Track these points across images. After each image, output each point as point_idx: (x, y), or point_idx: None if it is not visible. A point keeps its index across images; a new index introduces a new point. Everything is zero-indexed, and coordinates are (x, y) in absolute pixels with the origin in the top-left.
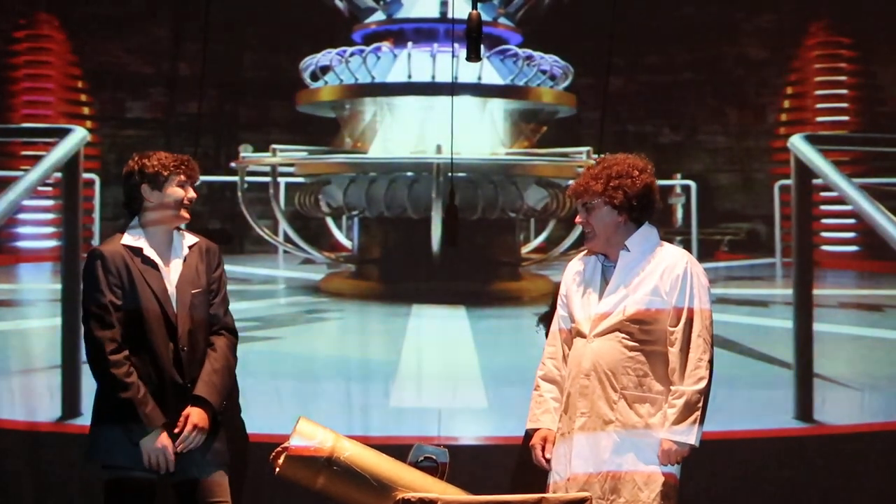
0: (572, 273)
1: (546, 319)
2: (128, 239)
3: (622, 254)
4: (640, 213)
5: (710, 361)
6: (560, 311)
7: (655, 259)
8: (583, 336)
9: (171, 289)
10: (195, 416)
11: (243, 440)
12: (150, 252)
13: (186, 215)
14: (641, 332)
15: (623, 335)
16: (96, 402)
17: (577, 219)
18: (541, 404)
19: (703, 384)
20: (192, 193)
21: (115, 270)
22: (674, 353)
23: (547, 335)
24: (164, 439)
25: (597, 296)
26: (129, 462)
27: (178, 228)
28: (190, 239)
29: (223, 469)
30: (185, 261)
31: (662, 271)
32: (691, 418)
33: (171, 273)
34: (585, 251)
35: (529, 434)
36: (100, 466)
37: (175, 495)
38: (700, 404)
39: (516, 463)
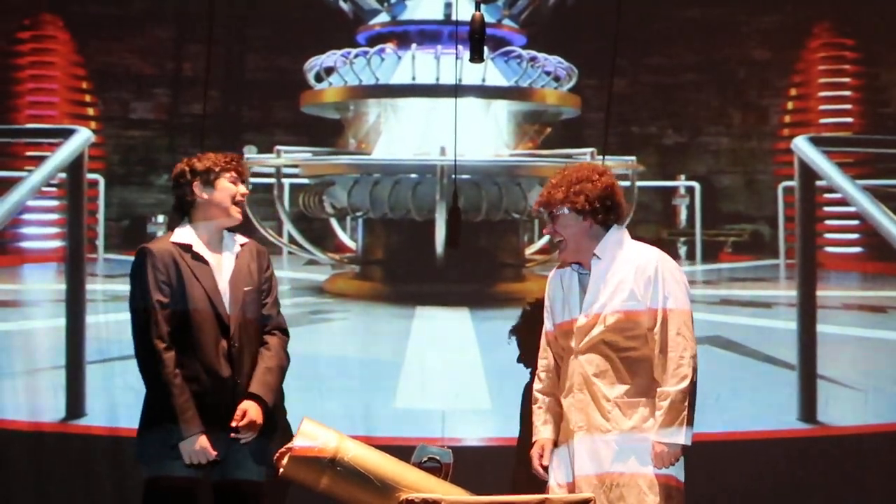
0: (553, 285)
1: (517, 331)
2: (178, 236)
3: (593, 262)
4: (605, 216)
5: (693, 357)
6: (546, 323)
7: (627, 262)
8: (569, 349)
9: (224, 285)
10: (252, 410)
11: (289, 440)
12: (200, 248)
13: (238, 211)
14: (624, 338)
15: (607, 345)
16: (144, 399)
17: (546, 230)
18: (539, 416)
19: (685, 383)
20: (243, 189)
21: (164, 268)
22: (656, 354)
23: (519, 346)
24: (202, 442)
25: (577, 307)
26: (169, 461)
27: (228, 228)
28: (240, 238)
29: (266, 470)
30: (236, 258)
31: (635, 274)
32: (679, 419)
33: (224, 270)
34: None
35: (523, 441)
36: (142, 464)
37: (215, 495)
38: (686, 403)
39: (514, 469)
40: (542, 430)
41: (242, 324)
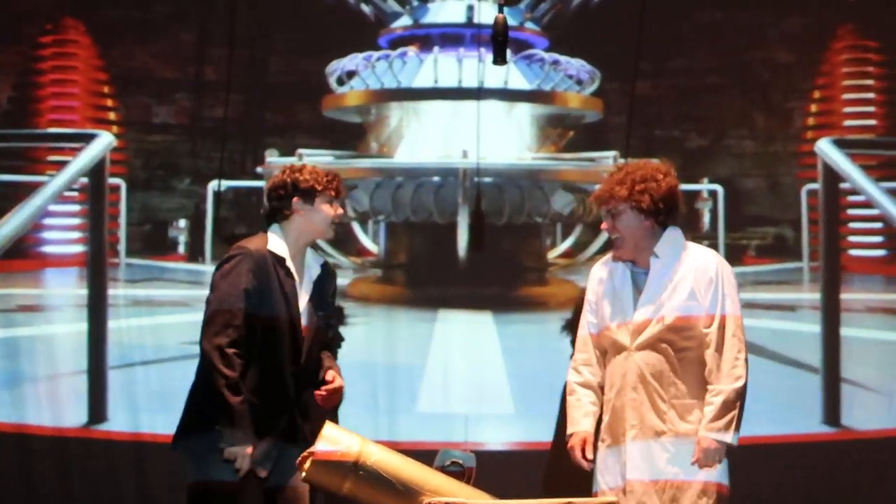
0: (598, 280)
1: (571, 326)
2: (274, 244)
3: (653, 261)
4: (665, 217)
5: (747, 361)
6: (589, 317)
7: (686, 263)
8: (622, 346)
9: (303, 305)
10: (339, 379)
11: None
12: (290, 264)
13: (332, 232)
14: (682, 338)
15: (665, 344)
16: (193, 399)
17: (603, 225)
18: (579, 408)
19: (740, 383)
20: (340, 210)
21: (259, 274)
22: (709, 354)
23: (573, 342)
24: (248, 450)
25: (630, 304)
26: (219, 464)
27: (314, 246)
28: (319, 258)
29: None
30: (317, 279)
31: (695, 275)
32: (729, 416)
33: (304, 289)
34: (610, 257)
35: (559, 440)
36: (191, 464)
37: (265, 500)
38: (737, 403)
39: (546, 471)
40: (583, 422)
41: (311, 344)
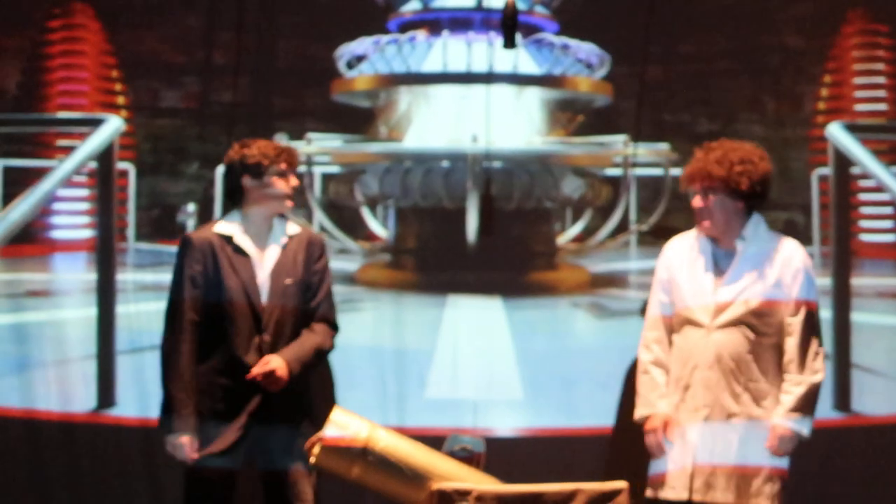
0: (675, 257)
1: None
2: (221, 226)
3: (740, 243)
4: (756, 201)
5: (824, 355)
6: (661, 296)
7: (773, 249)
8: (697, 324)
9: (263, 277)
10: (275, 361)
11: None
12: (241, 240)
13: (289, 204)
14: (762, 324)
15: (745, 327)
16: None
17: (695, 202)
18: (654, 388)
19: (819, 376)
20: (294, 181)
21: (200, 258)
22: (791, 343)
23: None
24: (184, 440)
25: (710, 283)
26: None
27: (283, 217)
28: (293, 228)
29: (306, 461)
30: (283, 249)
31: (782, 263)
32: (807, 408)
33: (266, 261)
34: (684, 235)
35: (625, 418)
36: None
37: (262, 486)
38: (815, 396)
39: (609, 451)
40: (660, 404)
41: (280, 316)
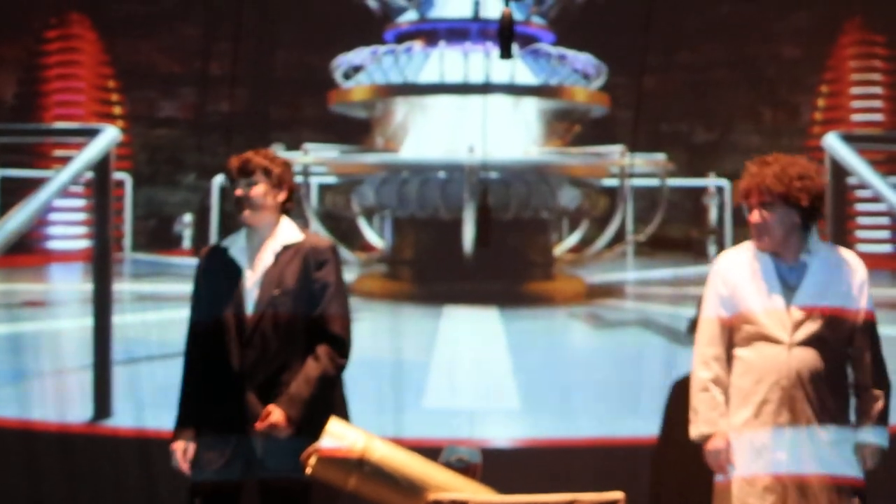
0: (735, 273)
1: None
2: (226, 239)
3: (806, 256)
4: (814, 216)
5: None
6: (720, 310)
7: (836, 261)
8: (773, 340)
9: (251, 289)
10: (275, 414)
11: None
12: (234, 252)
13: (245, 213)
14: (834, 336)
15: (820, 341)
16: None
17: (753, 218)
18: (715, 407)
19: (890, 387)
20: (248, 190)
21: (203, 272)
22: (863, 355)
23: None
24: (179, 446)
25: (780, 298)
26: (202, 464)
27: (295, 224)
28: (294, 236)
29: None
30: (276, 258)
31: (848, 274)
32: (885, 420)
33: (257, 272)
34: (737, 249)
35: (672, 432)
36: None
37: (260, 495)
38: (889, 408)
39: (655, 463)
40: (721, 422)
41: (267, 328)
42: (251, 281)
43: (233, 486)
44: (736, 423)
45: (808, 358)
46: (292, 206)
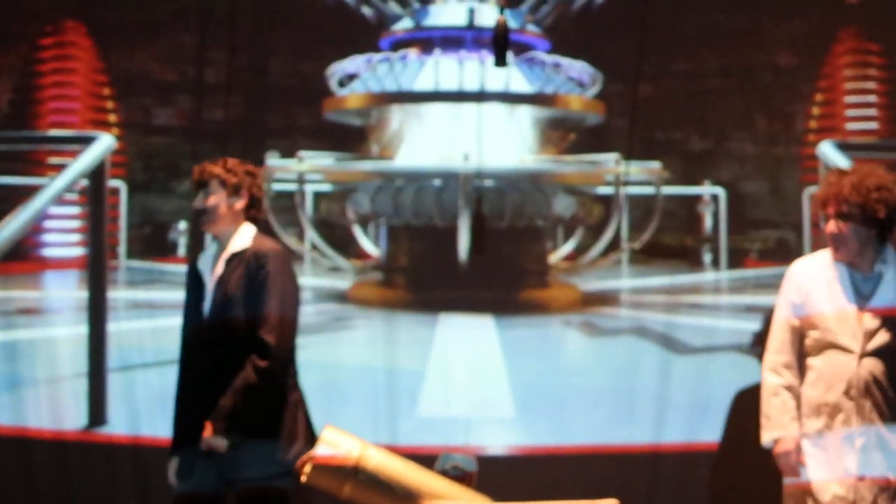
0: (809, 281)
1: (763, 340)
2: (205, 250)
3: (882, 268)
4: (892, 227)
5: None
6: (792, 321)
7: None
8: (844, 349)
9: (207, 297)
10: (206, 429)
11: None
12: (201, 263)
13: (204, 221)
14: None
15: (892, 352)
16: None
17: (829, 228)
18: (786, 412)
19: None
20: (196, 202)
21: (186, 283)
22: None
23: (762, 355)
24: (170, 463)
25: (853, 307)
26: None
27: (255, 230)
28: (240, 244)
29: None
30: (226, 265)
31: None
32: None
33: (212, 283)
34: (811, 257)
35: (736, 437)
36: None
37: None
38: None
39: (716, 471)
40: (791, 427)
41: (221, 335)
42: (208, 290)
43: (211, 498)
44: (807, 432)
45: (877, 366)
46: (259, 213)
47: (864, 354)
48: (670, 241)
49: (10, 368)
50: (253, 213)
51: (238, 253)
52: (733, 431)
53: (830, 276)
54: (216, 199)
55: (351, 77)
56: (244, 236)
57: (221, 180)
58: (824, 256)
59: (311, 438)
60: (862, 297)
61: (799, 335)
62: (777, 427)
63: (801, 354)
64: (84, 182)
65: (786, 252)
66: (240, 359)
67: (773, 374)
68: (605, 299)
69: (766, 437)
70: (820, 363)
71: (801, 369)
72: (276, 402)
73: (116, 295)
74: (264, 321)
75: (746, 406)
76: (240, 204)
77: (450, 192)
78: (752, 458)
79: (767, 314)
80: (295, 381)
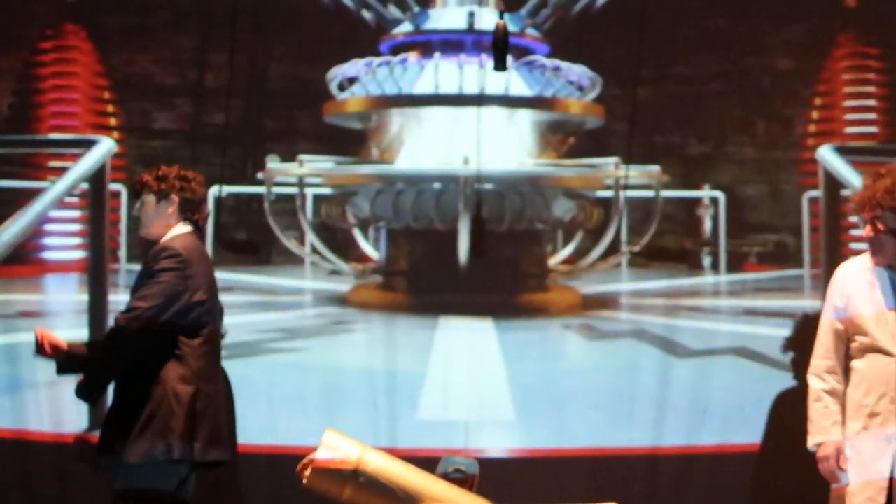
0: (850, 284)
1: (793, 345)
2: None
3: None
4: None
5: None
6: (835, 325)
7: None
8: (885, 353)
9: None
10: (61, 341)
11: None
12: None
13: (137, 228)
14: None
15: None
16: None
17: (866, 232)
18: (828, 416)
19: None
20: (133, 210)
21: None
22: None
23: (793, 361)
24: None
25: (893, 311)
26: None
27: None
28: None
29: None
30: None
31: None
32: None
33: None
34: (854, 261)
35: (776, 440)
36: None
37: None
38: None
39: (756, 472)
40: (833, 431)
41: (126, 345)
42: None
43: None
44: (849, 434)
45: None
46: (196, 216)
47: None
48: (670, 244)
49: (10, 371)
50: (188, 215)
51: (149, 252)
52: (773, 433)
53: (871, 279)
54: (146, 205)
55: (351, 80)
56: (168, 237)
57: (150, 187)
58: (867, 259)
59: (194, 437)
60: None
61: (844, 339)
62: (819, 432)
63: (848, 357)
64: (85, 185)
65: (785, 256)
66: (143, 357)
67: (816, 378)
68: (604, 302)
69: (809, 442)
70: (862, 366)
71: (848, 372)
72: (104, 372)
73: (117, 298)
74: (130, 308)
75: (785, 408)
76: (170, 209)
77: (450, 196)
78: (791, 460)
79: (798, 320)
80: (193, 379)
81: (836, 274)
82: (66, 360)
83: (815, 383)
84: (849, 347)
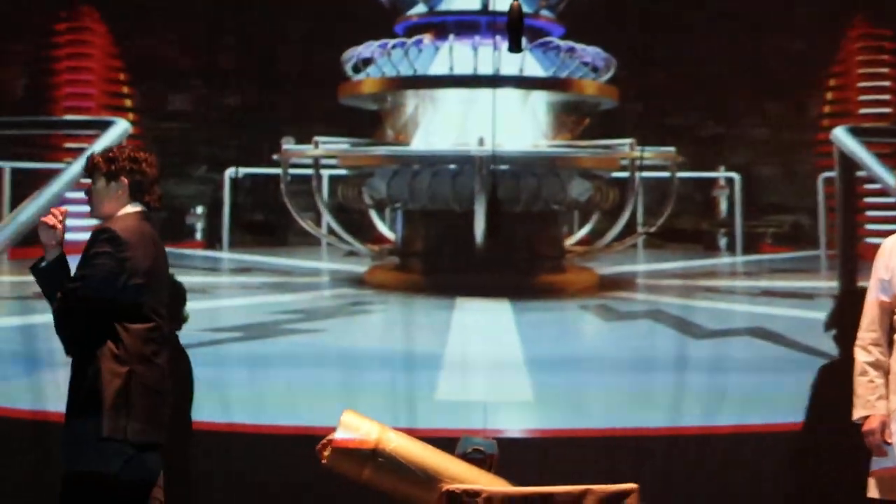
0: (890, 257)
1: (835, 322)
2: None
3: None
4: None
5: None
6: (880, 296)
7: None
8: None
9: None
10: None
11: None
12: None
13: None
14: None
15: None
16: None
17: None
18: (874, 390)
19: None
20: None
21: None
22: None
23: (835, 337)
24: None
25: None
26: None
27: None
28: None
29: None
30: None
31: None
32: None
33: None
34: None
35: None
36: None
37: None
38: None
39: (796, 451)
40: (878, 405)
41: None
42: None
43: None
44: (894, 408)
45: None
46: (147, 197)
47: None
48: (686, 225)
49: (28, 352)
50: (138, 196)
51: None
52: (815, 407)
53: None
54: (95, 186)
55: (366, 62)
56: (115, 218)
57: (100, 169)
58: None
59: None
60: None
61: (889, 312)
62: (863, 406)
63: (893, 330)
64: None
65: (801, 237)
66: (87, 339)
67: (862, 351)
68: (621, 283)
69: (855, 415)
70: None
71: (893, 345)
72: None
73: None
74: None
75: (826, 382)
76: (120, 191)
77: (465, 177)
78: (832, 434)
79: (838, 298)
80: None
81: (882, 246)
82: (51, 265)
83: (860, 356)
84: (893, 320)
